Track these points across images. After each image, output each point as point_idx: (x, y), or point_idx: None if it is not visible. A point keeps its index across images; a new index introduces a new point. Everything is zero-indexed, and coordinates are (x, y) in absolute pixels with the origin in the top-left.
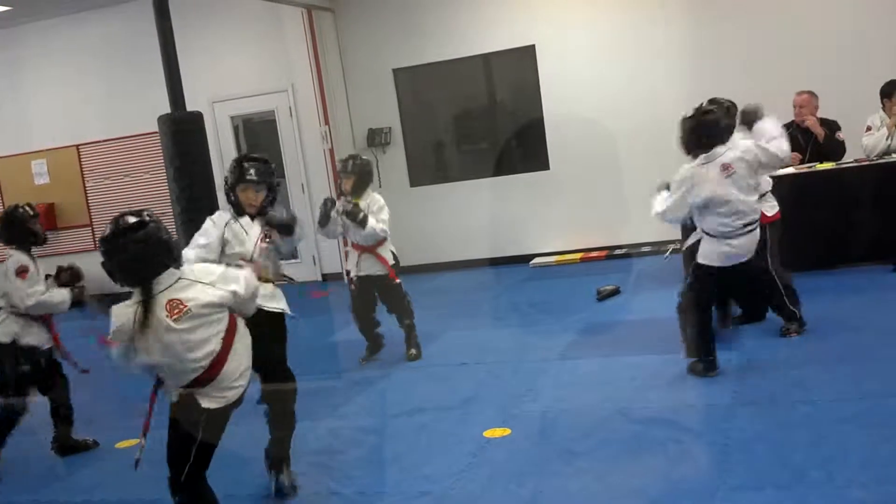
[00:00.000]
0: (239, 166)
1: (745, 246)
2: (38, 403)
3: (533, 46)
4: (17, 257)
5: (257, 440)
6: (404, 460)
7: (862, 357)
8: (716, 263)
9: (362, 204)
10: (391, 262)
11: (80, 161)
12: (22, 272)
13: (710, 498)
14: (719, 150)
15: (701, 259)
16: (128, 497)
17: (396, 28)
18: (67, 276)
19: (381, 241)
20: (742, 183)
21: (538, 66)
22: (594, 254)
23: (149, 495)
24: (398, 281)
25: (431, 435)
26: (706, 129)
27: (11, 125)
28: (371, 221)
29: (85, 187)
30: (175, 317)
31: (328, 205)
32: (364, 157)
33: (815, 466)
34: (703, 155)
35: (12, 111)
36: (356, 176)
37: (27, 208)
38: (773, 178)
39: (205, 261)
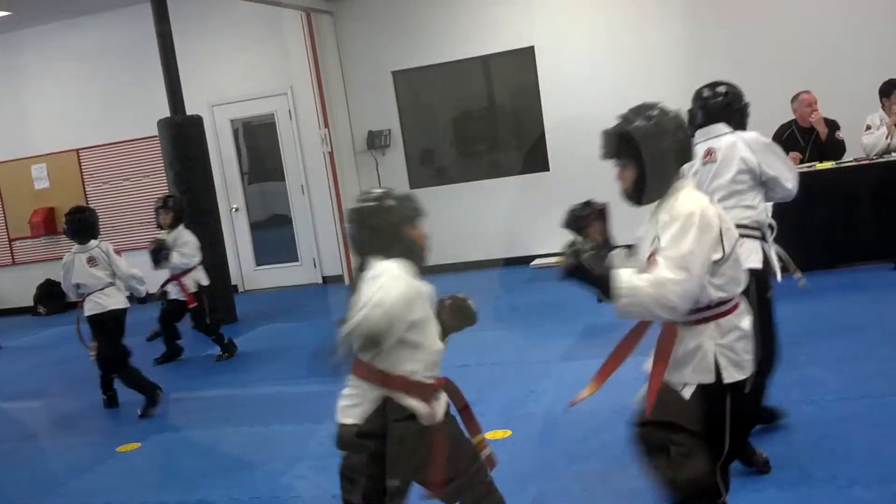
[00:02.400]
0: None
1: None
2: (42, 408)
3: (532, 48)
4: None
5: (259, 443)
6: None
7: (864, 356)
8: None
9: (172, 235)
10: (192, 289)
11: (80, 165)
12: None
13: None
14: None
15: None
16: (130, 501)
17: (395, 30)
18: None
19: (186, 270)
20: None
21: (537, 67)
22: None
23: (152, 499)
24: (194, 305)
25: None
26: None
27: (11, 130)
28: (174, 256)
29: (85, 191)
30: None
31: (157, 246)
32: (178, 196)
33: (818, 466)
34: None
35: (12, 116)
36: (173, 212)
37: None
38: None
39: None
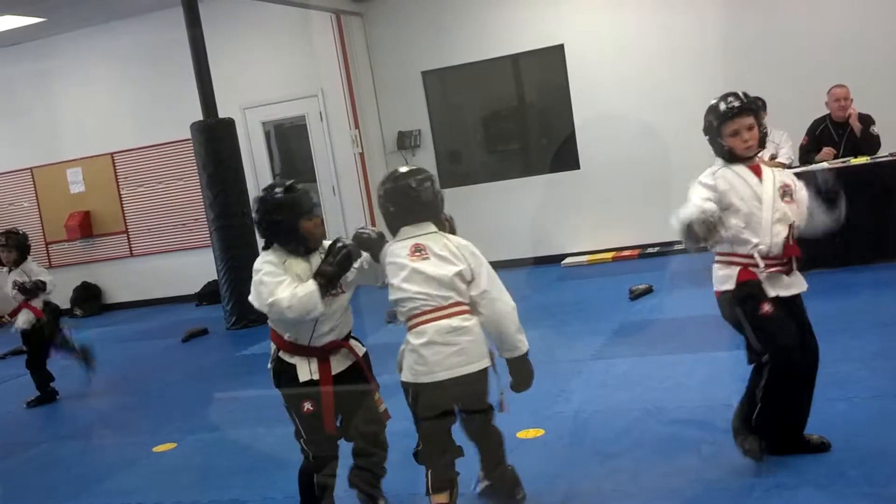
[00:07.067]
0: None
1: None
2: (79, 409)
3: (561, 46)
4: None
5: (292, 443)
6: None
7: None
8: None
9: (20, 271)
10: (41, 306)
11: (114, 169)
12: None
13: (746, 497)
14: None
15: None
16: (165, 500)
17: (425, 31)
18: None
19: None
20: None
21: (567, 65)
22: (626, 253)
23: (187, 498)
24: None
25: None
26: None
27: (46, 135)
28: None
29: (120, 195)
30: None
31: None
32: (21, 231)
33: (852, 465)
34: None
35: (47, 121)
36: (16, 250)
37: None
38: (806, 171)
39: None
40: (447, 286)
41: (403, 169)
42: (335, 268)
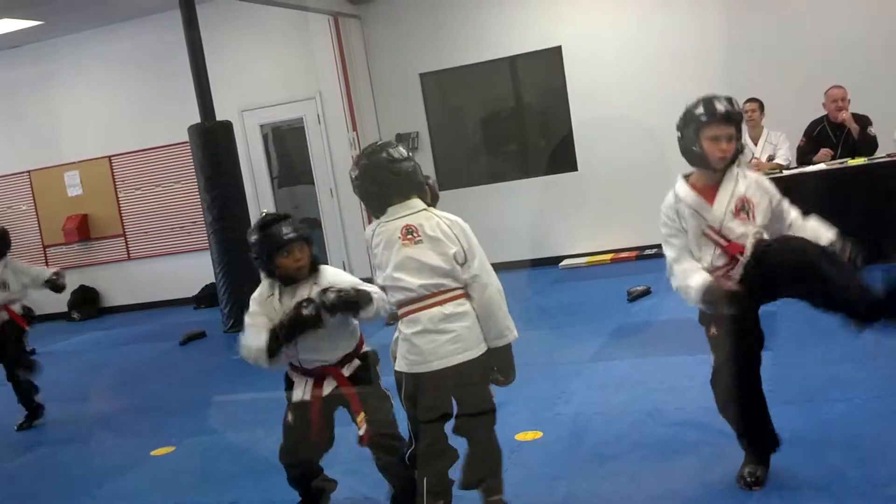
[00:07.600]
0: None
1: None
2: (77, 413)
3: (559, 48)
4: None
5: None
6: None
7: None
8: None
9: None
10: (20, 312)
11: (112, 172)
12: None
13: (746, 498)
14: None
15: None
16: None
17: (422, 33)
18: None
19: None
20: None
21: (564, 67)
22: (624, 254)
23: (186, 501)
24: (27, 328)
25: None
26: None
27: (45, 138)
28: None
29: (117, 198)
30: None
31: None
32: (1, 228)
33: (852, 466)
34: None
35: (45, 124)
36: None
37: None
38: (806, 173)
39: None
40: (440, 274)
41: (374, 144)
42: (285, 332)
